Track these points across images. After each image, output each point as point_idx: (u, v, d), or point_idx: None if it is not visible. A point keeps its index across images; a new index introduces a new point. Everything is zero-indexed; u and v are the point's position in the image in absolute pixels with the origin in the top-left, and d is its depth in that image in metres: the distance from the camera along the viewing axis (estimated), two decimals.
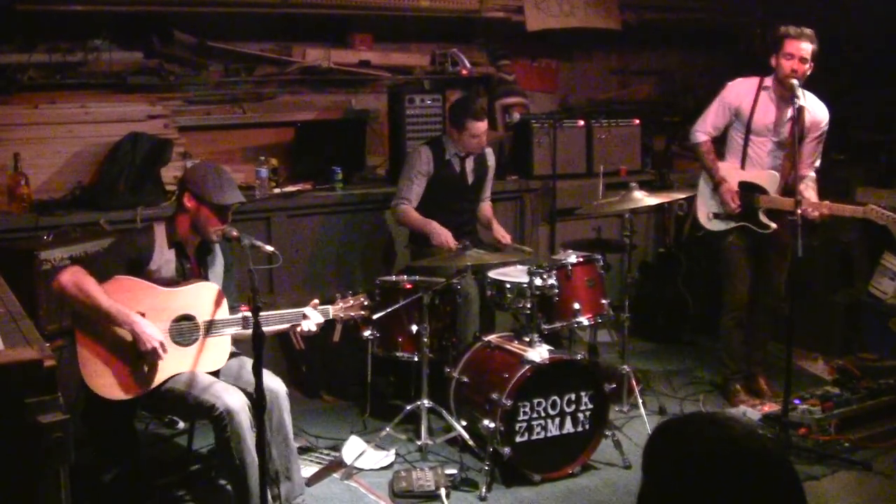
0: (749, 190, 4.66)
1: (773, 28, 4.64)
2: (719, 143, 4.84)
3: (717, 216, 4.76)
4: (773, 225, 4.59)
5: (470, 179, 5.00)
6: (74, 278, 3.26)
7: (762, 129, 4.62)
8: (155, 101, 5.18)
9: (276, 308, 3.62)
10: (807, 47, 4.39)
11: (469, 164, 4.98)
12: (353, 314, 3.72)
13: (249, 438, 3.33)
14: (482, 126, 4.78)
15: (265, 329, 3.26)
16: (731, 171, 4.71)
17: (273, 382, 3.55)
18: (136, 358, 3.34)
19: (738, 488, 1.52)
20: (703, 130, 4.77)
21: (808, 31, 4.42)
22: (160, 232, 3.49)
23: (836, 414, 4.39)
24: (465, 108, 4.81)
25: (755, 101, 4.61)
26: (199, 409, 3.37)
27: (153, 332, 3.28)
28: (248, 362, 3.53)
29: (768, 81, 4.60)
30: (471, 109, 4.78)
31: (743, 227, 4.69)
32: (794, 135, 4.30)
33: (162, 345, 3.28)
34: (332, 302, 3.70)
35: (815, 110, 4.58)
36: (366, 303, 3.76)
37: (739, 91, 4.67)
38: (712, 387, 5.10)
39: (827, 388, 4.66)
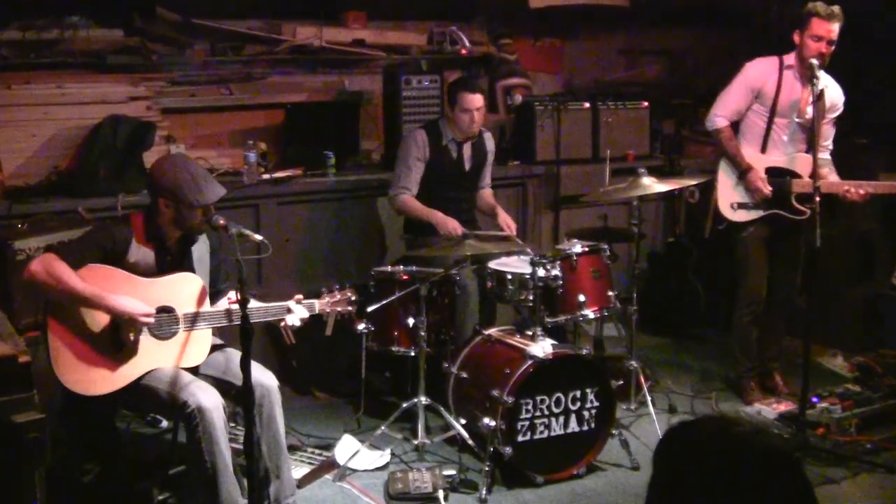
0: (777, 175, 4.64)
1: (796, 3, 4.60)
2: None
3: (742, 206, 4.73)
4: (808, 210, 4.57)
5: (467, 166, 4.98)
6: (45, 264, 3.24)
7: (787, 110, 4.61)
8: (137, 82, 5.15)
9: (264, 300, 3.61)
10: (836, 28, 4.37)
11: (467, 150, 4.96)
12: (339, 309, 3.71)
13: (223, 440, 3.31)
14: (476, 99, 4.74)
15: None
16: (753, 157, 4.68)
17: (264, 377, 3.54)
18: (112, 351, 3.33)
19: (746, 492, 1.52)
20: (724, 115, 4.73)
21: (836, 9, 4.39)
22: (138, 224, 3.47)
23: (857, 413, 4.38)
24: (458, 81, 4.79)
25: (779, 81, 4.59)
26: (173, 407, 3.36)
27: (133, 303, 3.27)
28: (234, 355, 3.51)
29: (790, 60, 4.58)
30: (464, 81, 4.76)
31: (768, 217, 4.67)
32: (815, 116, 4.29)
33: (147, 315, 3.28)
34: (318, 295, 3.69)
35: (833, 90, 4.58)
36: (353, 297, 3.74)
37: (762, 72, 4.65)
38: (725, 384, 5.10)
39: (847, 386, 4.66)
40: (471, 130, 4.85)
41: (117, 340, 3.34)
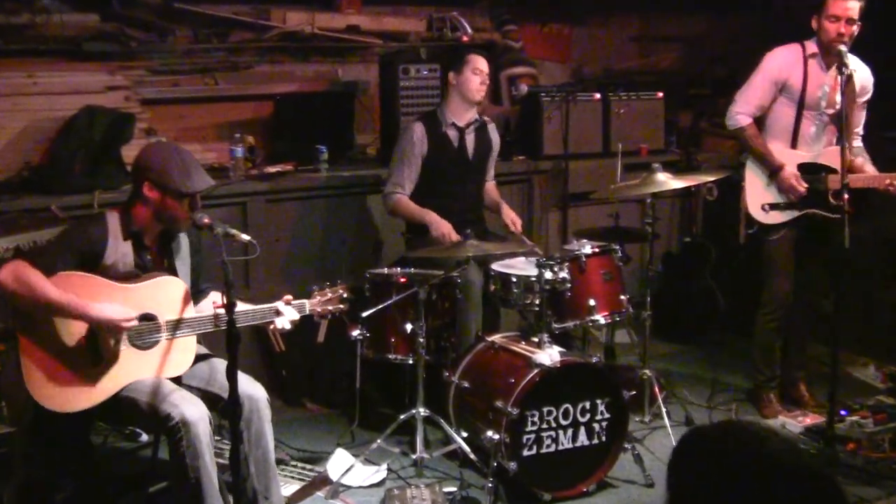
0: (810, 171, 4.62)
1: None
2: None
3: (774, 207, 4.70)
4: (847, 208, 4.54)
5: (471, 154, 4.97)
6: (16, 273, 3.21)
7: (815, 102, 4.59)
8: (114, 71, 5.15)
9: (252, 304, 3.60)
10: (854, 6, 4.36)
11: (469, 137, 4.94)
12: (331, 308, 3.70)
13: (208, 455, 3.30)
14: (485, 63, 4.81)
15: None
16: (782, 153, 4.66)
17: (252, 388, 3.53)
18: (90, 363, 3.31)
19: None
20: (747, 112, 4.69)
21: None
22: (113, 221, 3.45)
23: (891, 427, 4.36)
24: (464, 49, 4.85)
25: (805, 71, 4.58)
26: (155, 420, 3.35)
27: (112, 308, 3.26)
28: (220, 364, 3.50)
29: (812, 47, 4.57)
30: (470, 49, 4.81)
31: (801, 218, 4.65)
32: (843, 106, 4.28)
33: (128, 319, 3.27)
34: (309, 296, 3.68)
35: (861, 72, 4.58)
36: (345, 295, 3.74)
37: (785, 62, 4.63)
38: (746, 395, 5.09)
39: (879, 398, 4.65)
40: (479, 95, 4.85)
41: (95, 352, 3.32)
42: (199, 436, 3.27)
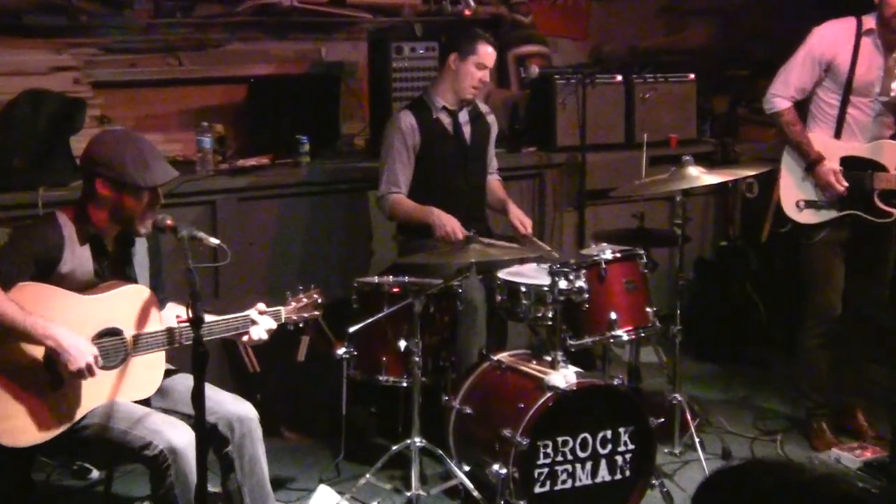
0: (855, 167, 4.63)
1: None
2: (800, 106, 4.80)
3: (810, 205, 4.72)
4: (894, 211, 4.55)
5: (468, 138, 4.98)
6: None
7: (865, 87, 4.59)
8: (61, 49, 5.16)
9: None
10: None
11: (464, 121, 4.95)
12: (306, 316, 3.72)
13: None
14: (493, 56, 4.82)
15: (206, 339, 3.22)
16: (825, 144, 4.67)
17: (241, 408, 3.55)
18: (48, 388, 3.30)
19: None
20: (785, 95, 4.71)
21: None
22: (68, 225, 3.45)
23: None
24: (475, 31, 4.86)
25: (855, 50, 4.58)
26: (128, 450, 3.34)
27: (82, 343, 3.26)
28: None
29: (870, 22, 4.57)
30: (482, 33, 4.81)
31: (843, 219, 4.66)
32: None
33: (95, 359, 3.25)
34: (283, 303, 3.70)
35: None
36: (319, 300, 3.75)
37: (833, 39, 4.63)
38: (794, 424, 5.08)
39: None
40: (473, 91, 4.87)
41: (55, 375, 3.30)
42: (189, 464, 3.27)
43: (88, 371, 3.24)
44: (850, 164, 4.63)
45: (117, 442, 3.35)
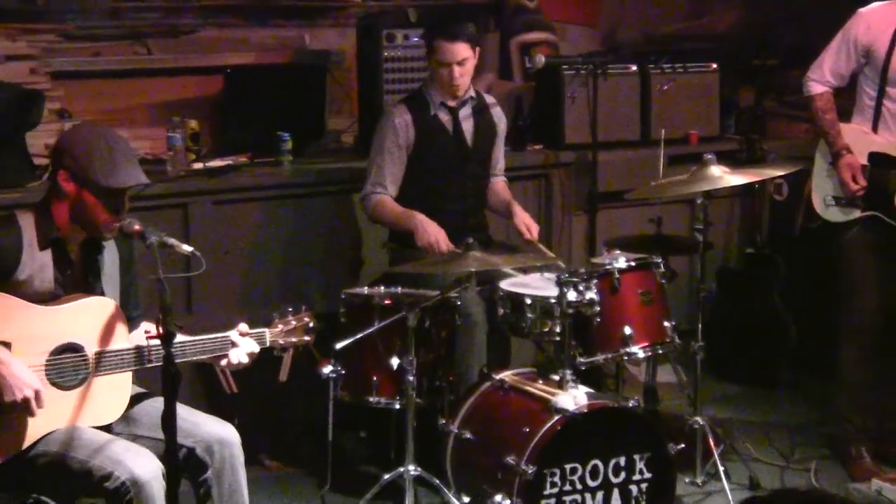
0: (884, 165, 4.64)
1: None
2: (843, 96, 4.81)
3: (837, 202, 4.75)
4: None
5: (470, 139, 4.99)
6: None
7: None
8: (16, 35, 5.16)
9: (195, 335, 3.60)
10: None
11: (465, 119, 4.96)
12: (294, 340, 3.71)
13: None
14: (455, 50, 4.75)
15: (178, 361, 3.22)
16: (859, 138, 4.69)
17: (222, 430, 3.55)
18: None
19: None
20: (819, 79, 4.75)
21: None
22: (28, 226, 3.46)
23: None
24: (436, 26, 4.86)
25: (894, 37, 4.60)
26: (87, 482, 3.33)
27: (24, 374, 3.25)
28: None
29: None
30: (443, 26, 4.80)
31: (872, 219, 4.68)
32: None
33: (37, 394, 3.24)
34: (269, 324, 3.70)
35: None
36: (311, 324, 3.75)
37: (873, 23, 4.64)
38: (831, 451, 5.08)
39: None
40: (452, 90, 4.87)
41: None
42: (153, 496, 3.27)
43: (24, 405, 3.23)
44: (881, 162, 4.65)
45: (76, 472, 3.33)
